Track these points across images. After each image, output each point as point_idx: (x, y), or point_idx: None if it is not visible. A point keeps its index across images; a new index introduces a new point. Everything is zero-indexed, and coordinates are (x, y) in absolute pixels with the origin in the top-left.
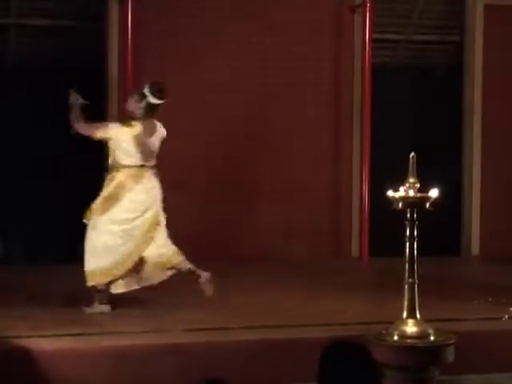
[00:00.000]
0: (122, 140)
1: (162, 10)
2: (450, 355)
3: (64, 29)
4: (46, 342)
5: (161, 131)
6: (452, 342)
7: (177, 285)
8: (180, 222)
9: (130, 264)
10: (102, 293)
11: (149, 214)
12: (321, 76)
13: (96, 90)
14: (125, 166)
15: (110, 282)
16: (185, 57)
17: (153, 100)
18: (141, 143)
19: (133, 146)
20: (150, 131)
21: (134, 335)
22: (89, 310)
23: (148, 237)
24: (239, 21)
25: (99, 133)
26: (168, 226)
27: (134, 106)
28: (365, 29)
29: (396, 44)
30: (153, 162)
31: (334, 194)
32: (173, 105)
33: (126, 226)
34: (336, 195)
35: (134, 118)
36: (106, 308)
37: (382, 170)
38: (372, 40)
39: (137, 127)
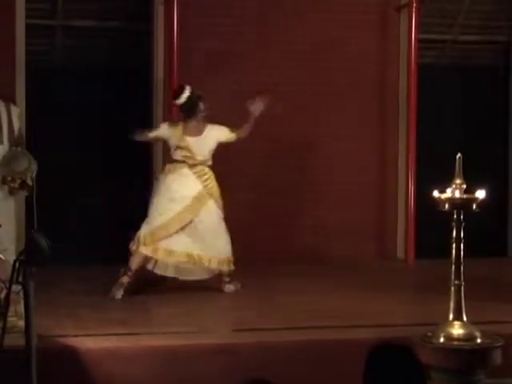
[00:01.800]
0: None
1: (208, 11)
2: (497, 358)
3: (110, 30)
4: (91, 341)
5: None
6: (499, 344)
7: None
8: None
9: None
10: None
11: None
12: (366, 76)
13: (142, 91)
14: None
15: None
16: (230, 57)
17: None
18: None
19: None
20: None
21: (179, 335)
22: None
23: None
24: (284, 21)
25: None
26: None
27: None
28: (410, 29)
29: (442, 44)
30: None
31: (379, 195)
32: (217, 106)
33: None
34: (382, 196)
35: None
36: None
37: (429, 170)
38: (418, 40)
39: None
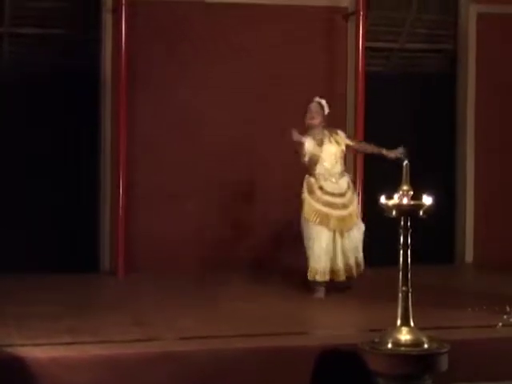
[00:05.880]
0: None
1: (156, 18)
2: (443, 363)
3: (58, 37)
4: (39, 350)
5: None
6: (446, 350)
7: (169, 293)
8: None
9: None
10: None
11: None
12: (314, 84)
13: (90, 97)
14: None
15: None
16: (178, 63)
17: None
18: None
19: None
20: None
21: (127, 344)
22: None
23: None
24: (232, 29)
25: None
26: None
27: None
28: (358, 37)
29: (389, 52)
30: None
31: None
32: (165, 111)
33: None
34: None
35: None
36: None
37: (376, 178)
38: (365, 48)
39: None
